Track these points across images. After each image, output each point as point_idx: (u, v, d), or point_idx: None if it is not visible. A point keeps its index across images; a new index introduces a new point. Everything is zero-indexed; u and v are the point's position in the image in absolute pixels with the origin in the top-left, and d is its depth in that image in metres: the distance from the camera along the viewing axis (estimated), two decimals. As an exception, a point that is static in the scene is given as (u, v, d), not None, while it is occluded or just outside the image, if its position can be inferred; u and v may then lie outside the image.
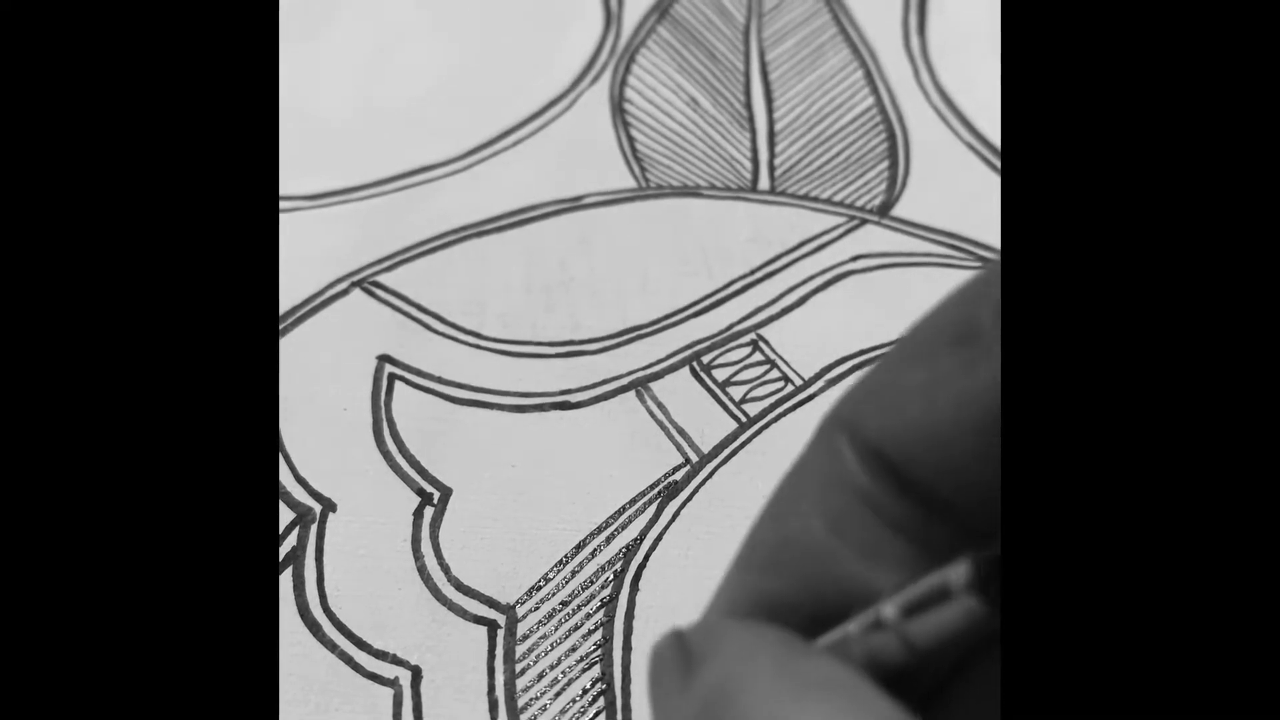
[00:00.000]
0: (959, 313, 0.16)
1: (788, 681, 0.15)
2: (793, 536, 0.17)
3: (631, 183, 0.43)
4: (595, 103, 0.45)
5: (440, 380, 0.37)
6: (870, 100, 0.45)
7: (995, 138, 0.44)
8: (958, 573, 0.15)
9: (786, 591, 0.17)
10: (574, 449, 0.36)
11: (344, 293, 0.39)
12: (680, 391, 0.37)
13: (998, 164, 0.43)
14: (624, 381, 0.37)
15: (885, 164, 0.43)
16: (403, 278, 0.40)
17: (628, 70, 0.46)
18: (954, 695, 0.17)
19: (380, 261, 0.40)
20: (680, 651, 0.17)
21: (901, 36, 0.48)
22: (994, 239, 0.41)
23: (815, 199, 0.42)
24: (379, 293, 0.39)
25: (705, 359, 0.38)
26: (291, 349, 0.38)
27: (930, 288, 0.39)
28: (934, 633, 0.16)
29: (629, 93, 0.46)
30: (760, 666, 0.16)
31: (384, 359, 0.38)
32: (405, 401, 0.37)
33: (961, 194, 0.42)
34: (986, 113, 0.45)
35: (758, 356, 0.38)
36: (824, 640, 0.17)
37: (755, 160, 0.43)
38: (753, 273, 0.40)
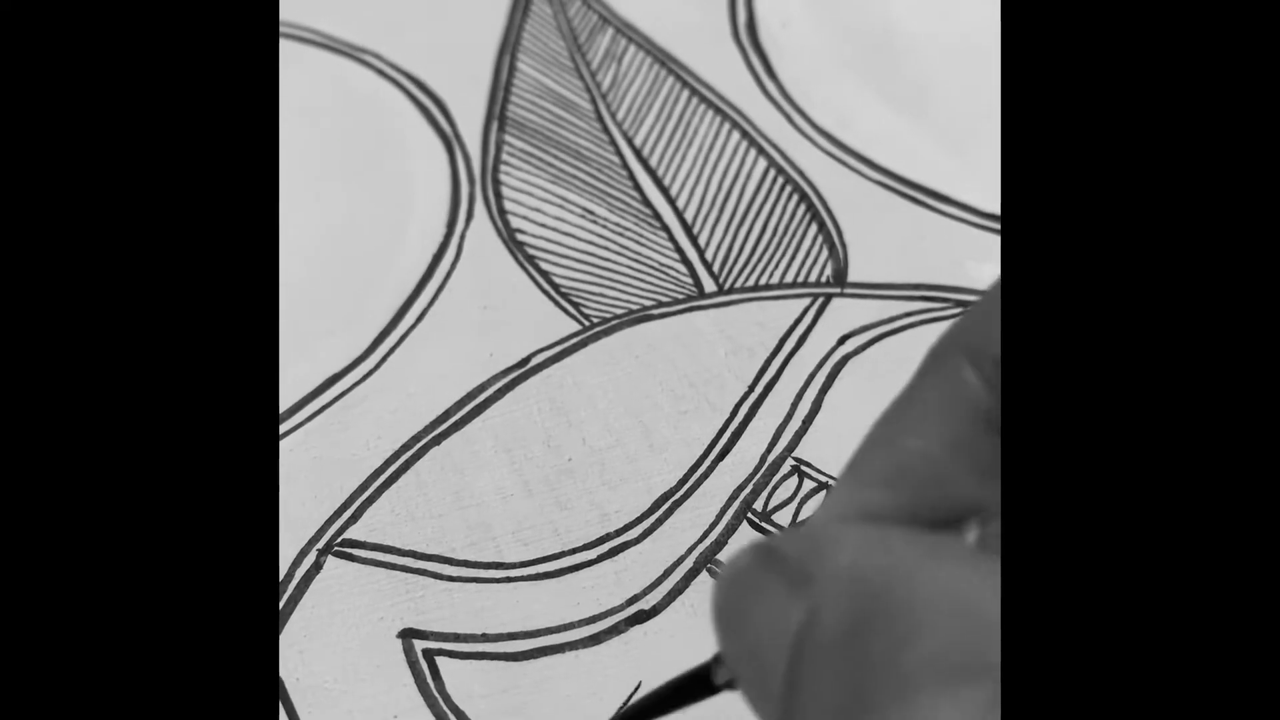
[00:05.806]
0: None
1: (933, 555, 0.16)
2: (910, 457, 0.18)
3: (571, 325, 0.37)
4: (483, 245, 0.39)
5: (486, 637, 0.31)
6: (762, 162, 0.42)
7: (902, 169, 0.42)
8: None
9: (897, 506, 0.18)
10: (662, 665, 0.31)
11: (317, 567, 0.32)
12: (749, 553, 0.32)
13: (918, 198, 0.41)
14: (689, 564, 0.32)
15: (814, 227, 0.40)
16: (373, 525, 0.33)
17: (499, 196, 0.40)
18: None
19: (337, 515, 0.33)
20: (773, 560, 0.17)
21: (754, 83, 0.45)
22: (958, 280, 0.39)
23: (769, 286, 0.39)
24: (357, 554, 0.32)
25: (758, 506, 0.33)
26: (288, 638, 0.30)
27: (925, 346, 0.36)
28: None
29: (514, 221, 0.40)
30: (902, 548, 0.16)
31: (408, 634, 0.31)
32: (460, 679, 0.30)
33: (902, 239, 0.40)
34: (877, 145, 0.43)
35: (808, 484, 0.34)
36: None
37: (685, 260, 0.39)
38: (750, 392, 0.36)
